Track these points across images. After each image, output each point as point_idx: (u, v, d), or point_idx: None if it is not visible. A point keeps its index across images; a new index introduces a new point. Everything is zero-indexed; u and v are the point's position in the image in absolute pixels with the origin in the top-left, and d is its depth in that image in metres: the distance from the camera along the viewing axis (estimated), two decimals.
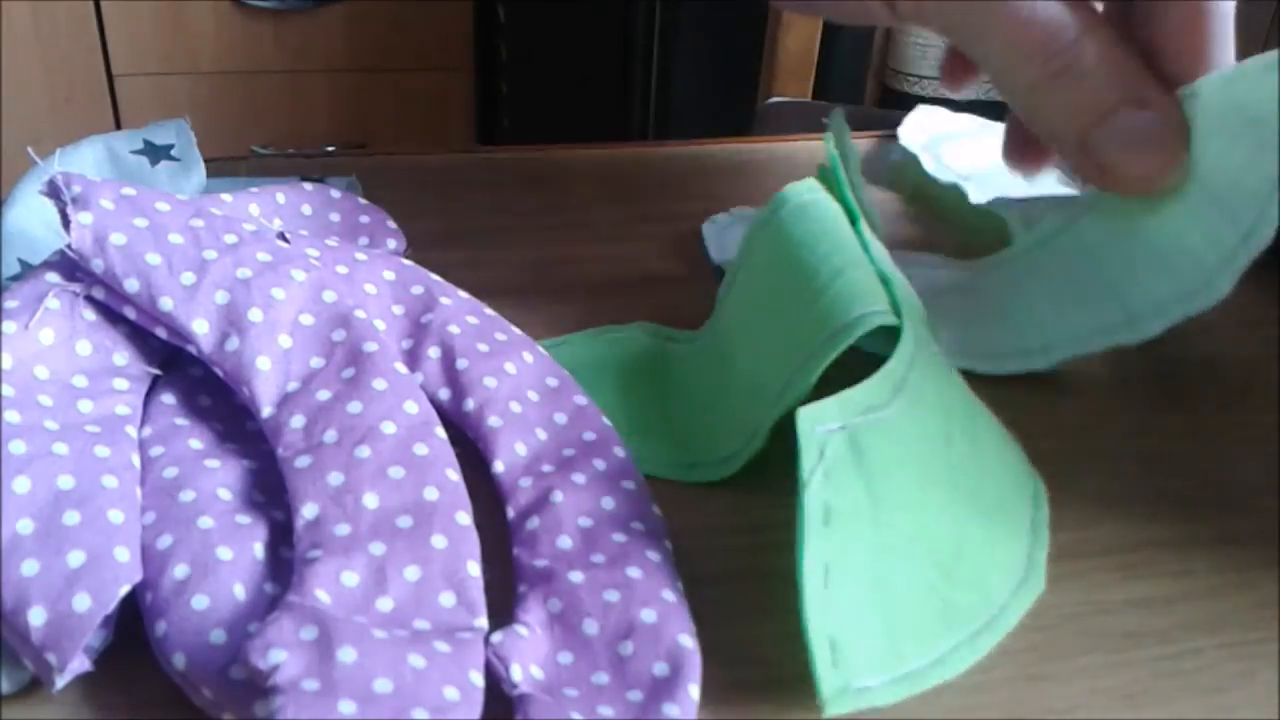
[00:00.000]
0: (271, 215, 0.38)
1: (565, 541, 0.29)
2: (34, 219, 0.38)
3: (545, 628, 0.27)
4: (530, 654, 0.26)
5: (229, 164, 0.49)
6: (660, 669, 0.26)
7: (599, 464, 0.32)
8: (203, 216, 0.33)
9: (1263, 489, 0.34)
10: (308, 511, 0.28)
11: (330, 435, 0.29)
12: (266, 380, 0.31)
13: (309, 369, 0.31)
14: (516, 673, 0.26)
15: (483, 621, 0.26)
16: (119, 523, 0.27)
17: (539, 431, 0.33)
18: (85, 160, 0.42)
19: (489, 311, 0.37)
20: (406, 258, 0.39)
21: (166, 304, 0.31)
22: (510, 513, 0.31)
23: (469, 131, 1.65)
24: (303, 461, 0.29)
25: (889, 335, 0.30)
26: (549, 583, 0.28)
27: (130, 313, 0.31)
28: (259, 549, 0.28)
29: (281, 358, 0.31)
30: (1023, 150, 0.44)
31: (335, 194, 0.41)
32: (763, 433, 0.32)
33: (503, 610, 0.28)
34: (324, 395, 0.31)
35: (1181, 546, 0.32)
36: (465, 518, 0.28)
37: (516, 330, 0.36)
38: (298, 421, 0.30)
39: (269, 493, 0.30)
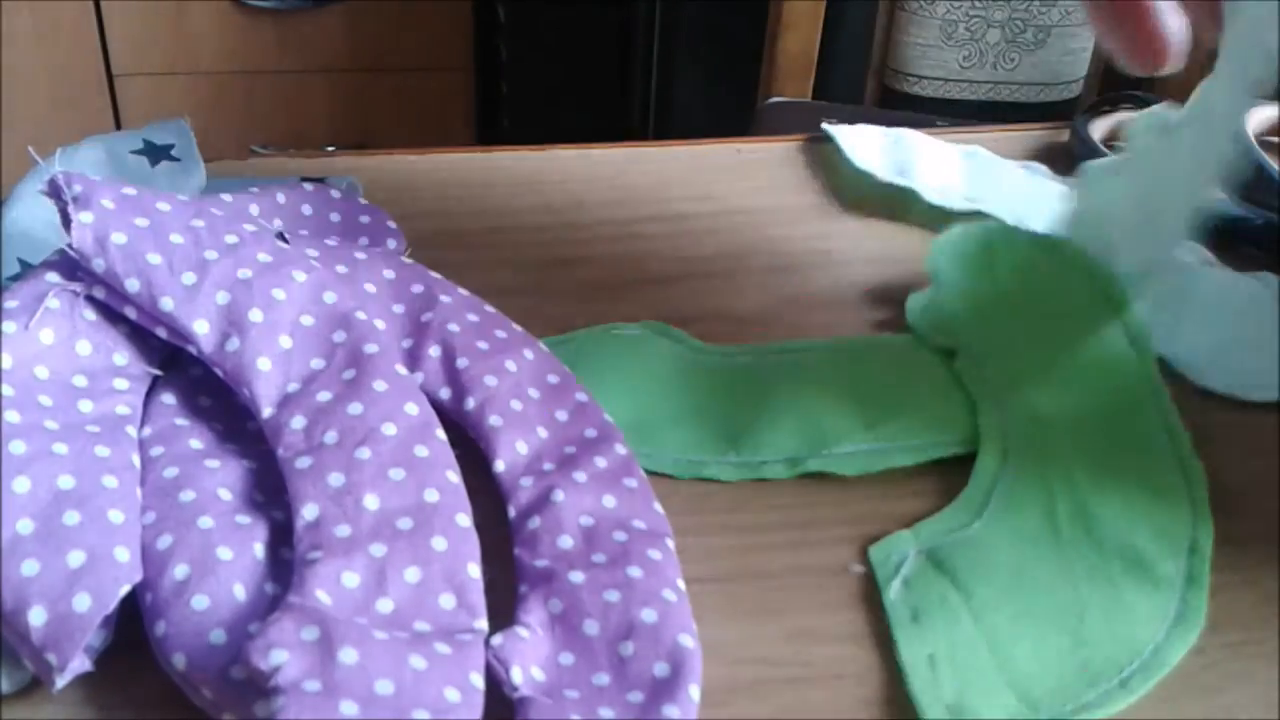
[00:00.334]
0: (271, 215, 0.38)
1: (566, 541, 0.29)
2: (34, 219, 0.38)
3: (546, 628, 0.27)
4: (531, 656, 0.26)
5: (229, 164, 0.49)
6: (661, 669, 0.26)
7: (600, 461, 0.32)
8: (204, 217, 0.33)
9: (1263, 489, 0.34)
10: (308, 512, 0.28)
11: (331, 436, 0.29)
12: (267, 381, 0.31)
13: (309, 370, 0.31)
14: (517, 675, 0.26)
15: (483, 623, 0.26)
16: (119, 523, 0.27)
17: (540, 429, 0.33)
18: (85, 160, 0.42)
19: (489, 309, 0.37)
20: (406, 258, 0.39)
21: (167, 304, 0.31)
22: (511, 512, 0.31)
23: (469, 131, 1.64)
24: (303, 462, 0.29)
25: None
26: (550, 583, 0.28)
27: (131, 313, 0.31)
28: (259, 549, 0.28)
29: (282, 358, 0.31)
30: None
31: (335, 194, 0.41)
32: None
33: (503, 610, 0.28)
34: (324, 396, 0.31)
35: None
36: (465, 519, 0.28)
37: (517, 327, 0.36)
38: (298, 422, 0.30)
39: (269, 493, 0.30)
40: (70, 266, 0.32)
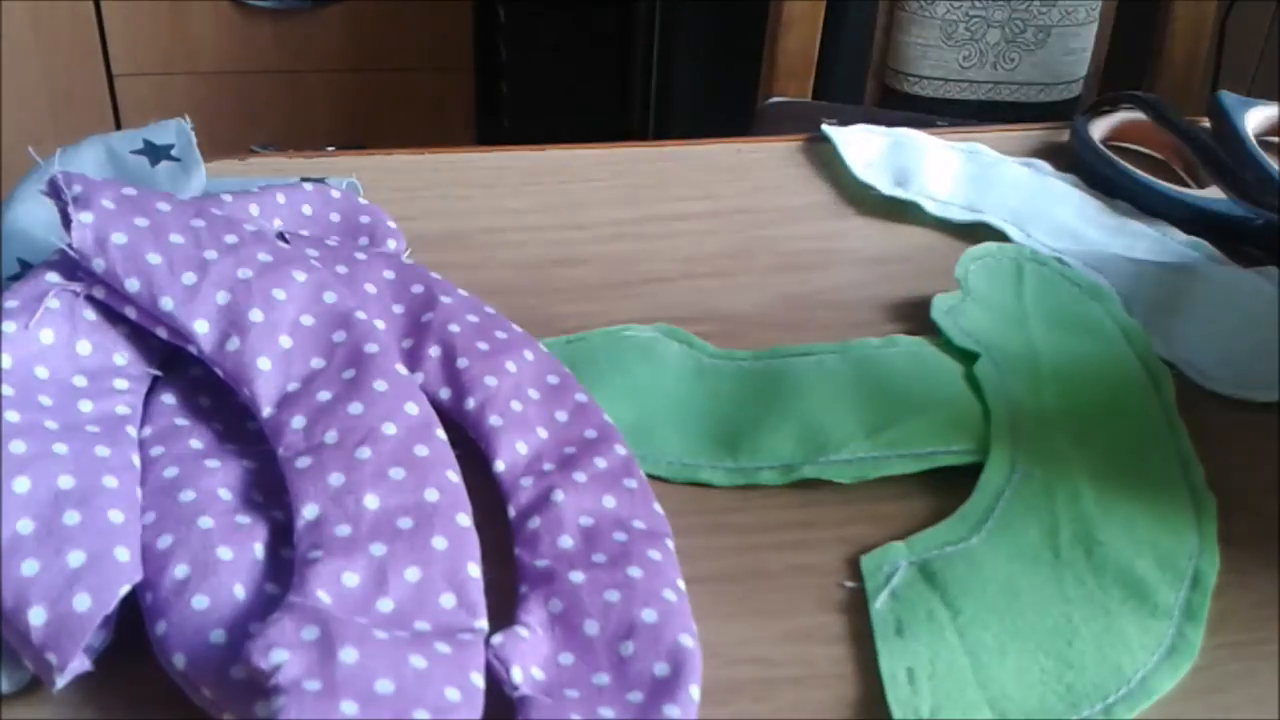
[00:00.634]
0: (272, 215, 0.38)
1: (566, 541, 0.29)
2: (34, 219, 0.38)
3: (546, 628, 0.27)
4: (531, 655, 0.26)
5: (229, 164, 0.49)
6: (661, 669, 0.26)
7: (600, 462, 0.32)
8: (204, 217, 0.33)
9: (1263, 489, 0.34)
10: (308, 512, 0.28)
11: (331, 436, 0.29)
12: (267, 380, 0.31)
13: (310, 369, 0.31)
14: (517, 675, 0.26)
15: (483, 623, 0.26)
16: (119, 523, 0.27)
17: (540, 430, 0.33)
18: (86, 160, 0.41)
19: (489, 309, 0.37)
20: (406, 258, 0.39)
21: (167, 304, 0.31)
22: (511, 512, 0.31)
23: (469, 131, 1.64)
24: (303, 462, 0.29)
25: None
26: (550, 583, 0.28)
27: (131, 313, 0.31)
28: (259, 549, 0.28)
29: (282, 358, 0.31)
30: None
31: (335, 194, 0.41)
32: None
33: (504, 610, 0.28)
34: (324, 396, 0.31)
35: None
36: (465, 519, 0.28)
37: (517, 328, 0.36)
38: (298, 422, 0.30)
39: (269, 493, 0.30)
40: (70, 266, 0.32)
